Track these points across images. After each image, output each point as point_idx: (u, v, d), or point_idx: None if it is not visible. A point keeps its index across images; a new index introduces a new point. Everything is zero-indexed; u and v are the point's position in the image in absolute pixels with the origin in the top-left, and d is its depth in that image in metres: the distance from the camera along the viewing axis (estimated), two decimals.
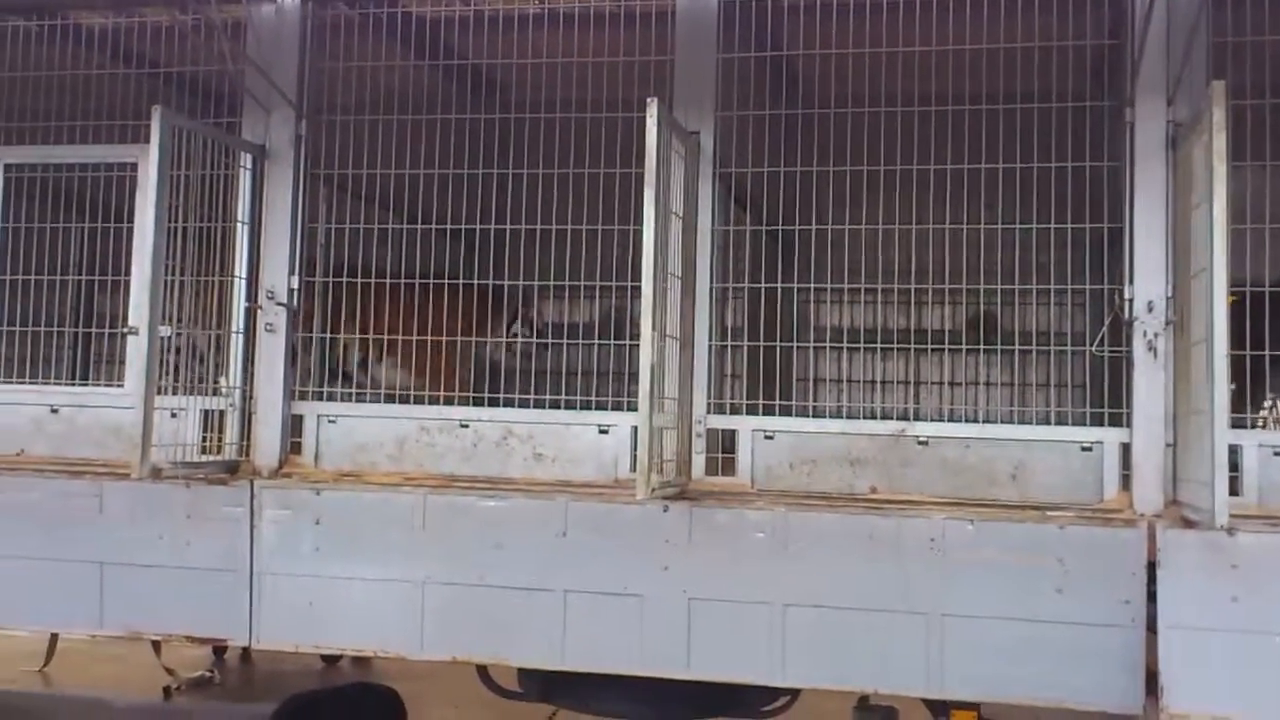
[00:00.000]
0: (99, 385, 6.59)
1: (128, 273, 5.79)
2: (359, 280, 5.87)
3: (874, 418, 5.39)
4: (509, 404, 5.74)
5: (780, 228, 5.96)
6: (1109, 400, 5.01)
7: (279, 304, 5.68)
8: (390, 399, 6.24)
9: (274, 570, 5.44)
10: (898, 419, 5.30)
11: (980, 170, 5.30)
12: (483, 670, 5.72)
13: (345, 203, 5.99)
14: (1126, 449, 4.94)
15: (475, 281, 6.18)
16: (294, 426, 5.73)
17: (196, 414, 5.59)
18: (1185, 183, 4.81)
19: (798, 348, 5.77)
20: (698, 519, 5.08)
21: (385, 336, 6.01)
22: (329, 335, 5.93)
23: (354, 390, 6.55)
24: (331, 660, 8.51)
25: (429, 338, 5.82)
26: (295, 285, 5.71)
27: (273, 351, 5.69)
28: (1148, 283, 4.94)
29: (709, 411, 5.33)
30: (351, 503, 5.42)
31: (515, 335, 6.98)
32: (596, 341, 6.59)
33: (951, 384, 6.94)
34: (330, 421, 5.68)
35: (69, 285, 6.75)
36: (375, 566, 5.32)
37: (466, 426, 5.55)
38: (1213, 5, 4.86)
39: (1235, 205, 4.45)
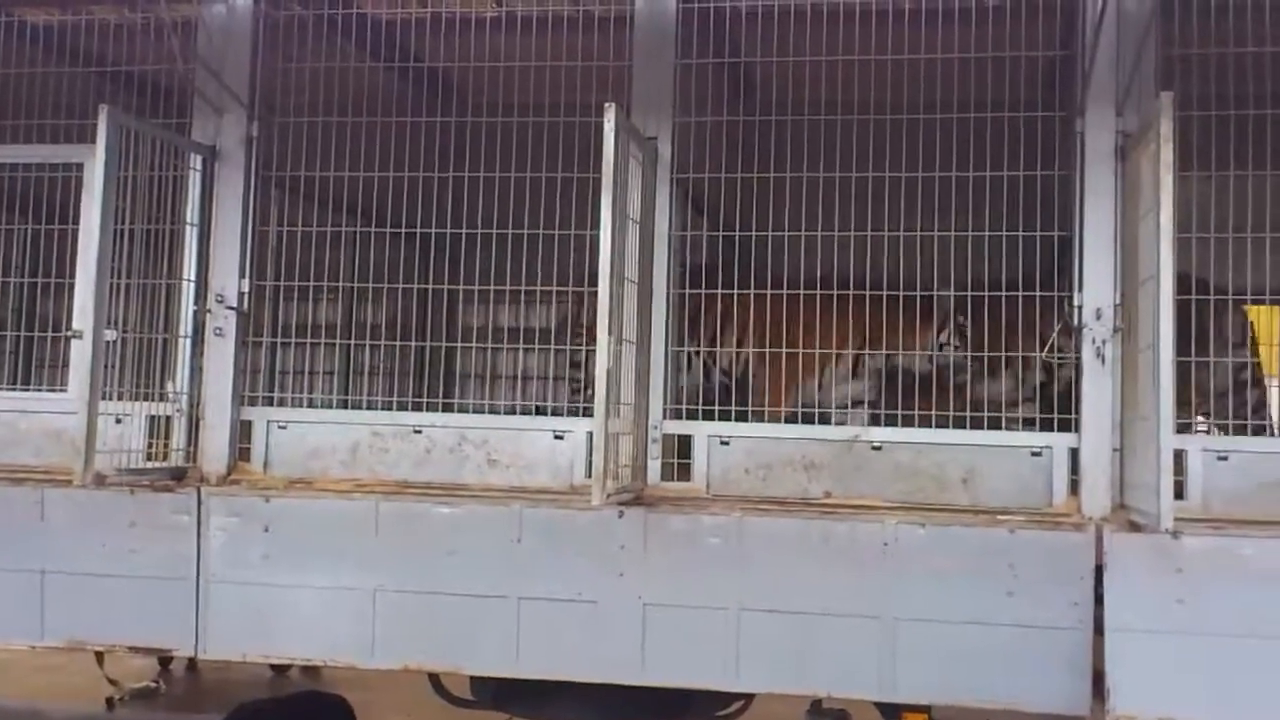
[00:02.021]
0: (41, 390, 6.46)
1: (72, 275, 5.66)
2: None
3: (829, 423, 5.41)
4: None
5: (738, 233, 5.98)
6: (1059, 406, 5.08)
7: (229, 308, 5.60)
8: (344, 404, 6.16)
9: (221, 579, 5.34)
10: (852, 424, 5.32)
11: (934, 177, 5.35)
12: (435, 678, 5.66)
13: (299, 205, 5.92)
14: (1075, 454, 5.00)
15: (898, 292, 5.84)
16: (243, 433, 5.65)
17: (142, 420, 5.49)
18: (1133, 192, 4.89)
19: (754, 353, 5.80)
20: (653, 525, 5.07)
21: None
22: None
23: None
24: (281, 670, 8.40)
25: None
26: (245, 289, 5.64)
27: (222, 356, 5.61)
28: (1096, 290, 5.02)
29: (665, 417, 5.33)
30: (302, 510, 5.34)
31: (944, 345, 6.44)
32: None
33: None
34: (281, 427, 5.61)
35: (11, 288, 6.60)
36: (326, 575, 5.25)
37: (420, 432, 5.50)
38: (1161, 17, 4.95)
39: (1182, 214, 4.53)
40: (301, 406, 5.93)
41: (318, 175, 5.72)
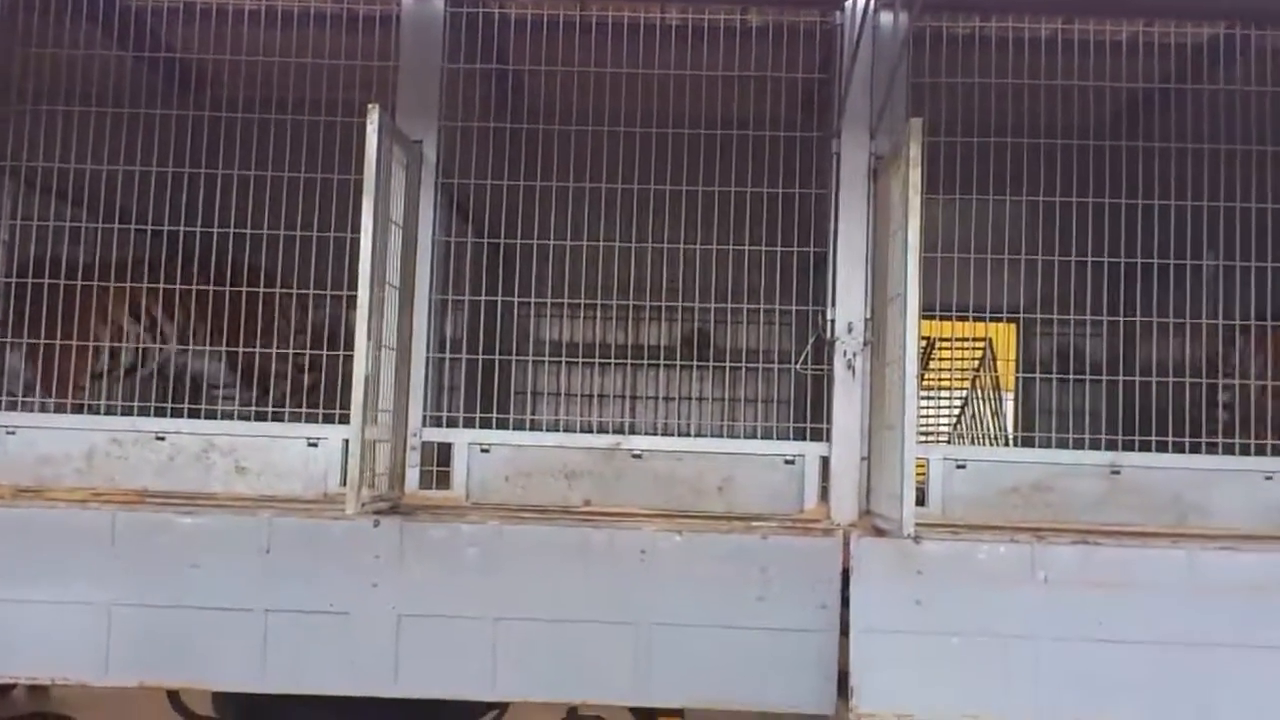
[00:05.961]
0: None
1: None
2: None
3: (592, 431, 5.42)
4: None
5: (502, 241, 5.95)
6: (811, 415, 5.23)
7: None
8: (79, 409, 5.80)
9: None
10: (614, 433, 5.34)
11: (698, 191, 5.45)
12: (174, 695, 5.40)
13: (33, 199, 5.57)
14: (826, 462, 5.17)
15: None
16: None
17: None
18: (884, 212, 5.09)
19: (517, 361, 5.76)
20: (409, 534, 4.96)
21: None
22: None
23: None
24: (3, 690, 7.82)
25: None
26: None
27: None
28: (848, 305, 5.20)
29: (425, 424, 5.24)
30: (30, 520, 4.98)
31: None
32: None
33: (666, 399, 7.10)
34: (9, 433, 5.25)
35: None
36: (55, 589, 4.91)
37: (163, 439, 5.24)
38: (912, 47, 5.18)
39: (928, 235, 4.74)
40: (33, 411, 5.55)
41: (56, 167, 5.40)
